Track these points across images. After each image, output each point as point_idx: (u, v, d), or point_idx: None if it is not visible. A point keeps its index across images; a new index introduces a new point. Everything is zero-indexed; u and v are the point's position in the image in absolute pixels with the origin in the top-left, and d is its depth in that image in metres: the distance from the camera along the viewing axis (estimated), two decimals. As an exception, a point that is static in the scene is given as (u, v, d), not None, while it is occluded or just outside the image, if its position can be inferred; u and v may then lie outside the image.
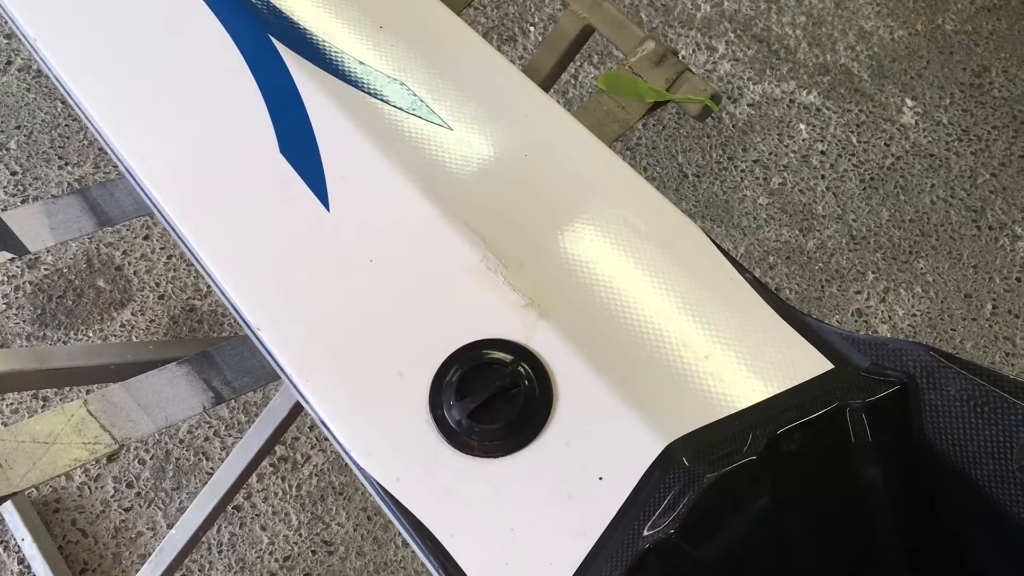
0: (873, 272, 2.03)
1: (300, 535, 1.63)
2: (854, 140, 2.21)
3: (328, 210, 0.90)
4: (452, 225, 0.88)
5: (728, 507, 0.73)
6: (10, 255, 1.10)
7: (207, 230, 0.91)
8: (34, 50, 1.04)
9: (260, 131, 0.95)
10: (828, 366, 0.81)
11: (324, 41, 1.00)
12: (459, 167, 0.93)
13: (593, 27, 1.20)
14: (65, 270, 1.84)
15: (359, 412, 0.81)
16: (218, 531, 1.62)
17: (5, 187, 1.92)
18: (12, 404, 1.69)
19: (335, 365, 0.83)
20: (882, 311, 1.98)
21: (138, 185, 0.96)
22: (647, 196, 0.93)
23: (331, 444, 1.69)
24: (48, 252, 1.85)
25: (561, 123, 0.99)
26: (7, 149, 1.97)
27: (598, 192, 0.93)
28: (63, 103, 2.04)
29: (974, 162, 2.21)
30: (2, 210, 1.82)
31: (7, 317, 1.78)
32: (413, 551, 1.59)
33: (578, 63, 2.25)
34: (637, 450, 0.76)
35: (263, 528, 1.63)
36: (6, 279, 1.81)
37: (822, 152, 2.19)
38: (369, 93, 0.97)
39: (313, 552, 1.62)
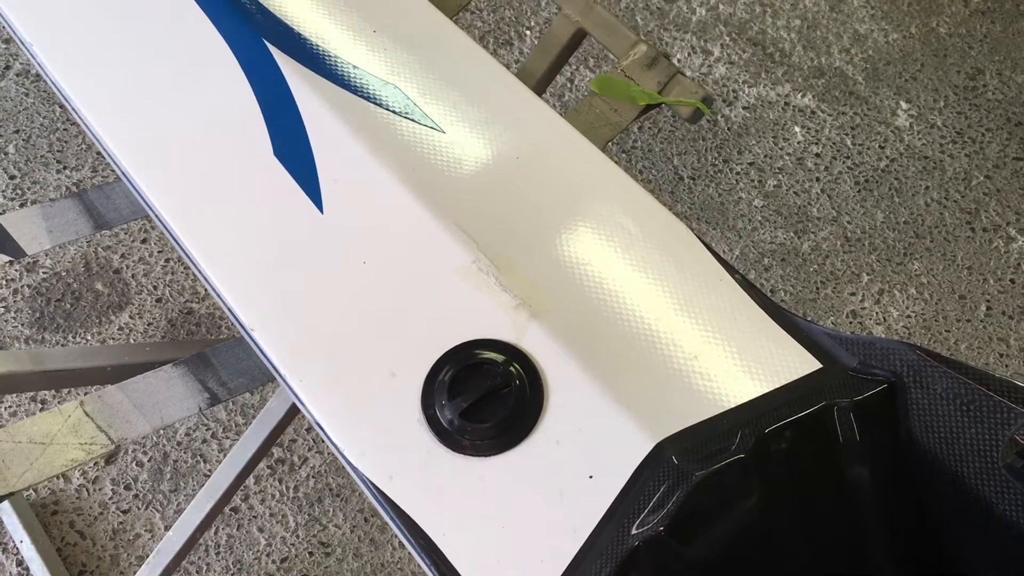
0: (868, 274, 2.04)
1: (297, 537, 1.63)
2: (849, 143, 2.22)
3: (322, 212, 0.91)
4: (444, 227, 0.89)
5: (717, 505, 0.74)
6: (7, 258, 1.11)
7: (202, 232, 0.92)
8: (31, 55, 1.05)
9: (254, 134, 0.96)
10: (816, 365, 0.82)
11: (318, 45, 1.01)
12: (452, 170, 0.94)
13: (586, 31, 1.21)
14: (63, 273, 1.85)
15: (352, 412, 0.82)
16: (215, 533, 1.62)
17: (3, 191, 1.93)
18: (10, 407, 1.70)
19: (328, 365, 0.84)
20: (877, 312, 1.99)
21: (134, 188, 0.97)
22: (638, 198, 0.94)
23: (327, 445, 1.70)
24: (46, 256, 1.86)
25: (553, 126, 1.00)
26: (5, 153, 1.98)
27: (589, 194, 0.94)
28: (61, 107, 2.05)
29: (968, 164, 2.22)
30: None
31: (5, 320, 1.78)
32: (409, 553, 1.60)
33: (574, 67, 2.26)
34: (627, 448, 0.77)
35: (260, 530, 1.64)
36: (5, 282, 1.82)
37: (817, 155, 2.20)
38: (363, 96, 0.98)
39: (310, 554, 1.62)
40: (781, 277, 2.01)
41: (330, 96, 0.97)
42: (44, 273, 1.84)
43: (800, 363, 0.82)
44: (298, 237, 0.91)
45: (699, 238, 0.92)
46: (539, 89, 1.28)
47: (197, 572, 1.60)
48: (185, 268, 1.87)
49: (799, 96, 2.29)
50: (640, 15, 2.39)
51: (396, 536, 1.63)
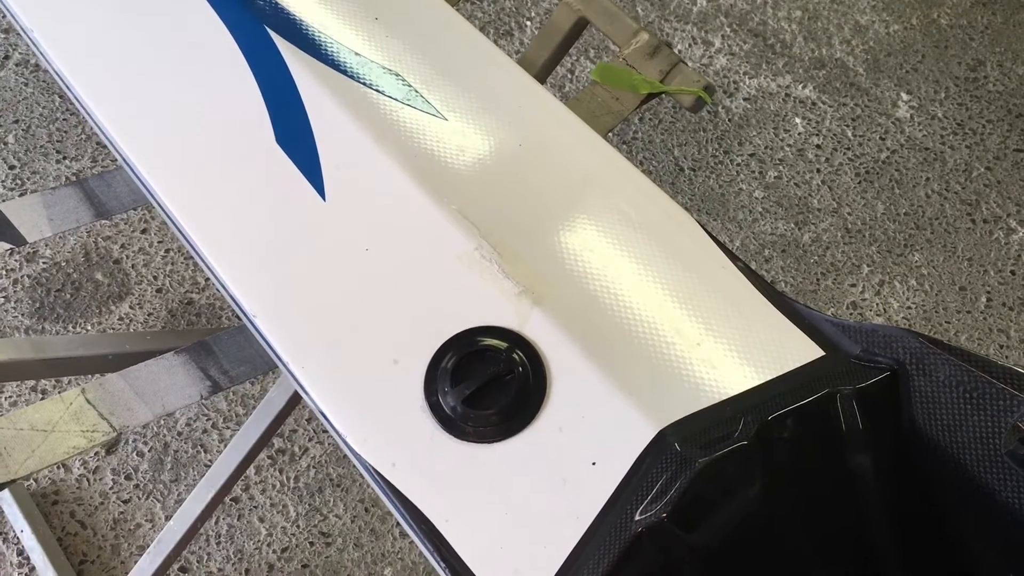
0: (868, 265, 2.04)
1: (298, 526, 1.64)
2: (849, 134, 2.22)
3: (324, 200, 0.91)
4: (447, 214, 0.89)
5: (719, 492, 0.74)
6: (8, 245, 1.11)
7: (204, 220, 0.92)
8: (32, 43, 1.05)
9: (257, 122, 0.95)
10: (819, 353, 0.82)
11: (320, 32, 1.01)
12: (454, 157, 0.94)
13: (587, 19, 1.21)
14: (63, 264, 1.84)
15: (355, 399, 0.82)
16: (216, 523, 1.63)
17: (3, 181, 1.92)
18: (11, 396, 1.70)
19: (331, 353, 0.84)
20: (877, 304, 1.99)
21: (136, 176, 0.96)
22: (640, 186, 0.94)
23: (329, 436, 1.70)
24: (46, 246, 1.86)
25: (555, 114, 1.00)
26: (5, 143, 1.97)
27: (592, 182, 0.94)
28: (61, 97, 2.05)
29: (969, 156, 2.22)
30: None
31: (5, 311, 1.78)
32: (410, 542, 1.60)
33: (574, 57, 2.26)
34: (630, 435, 0.76)
35: (261, 520, 1.64)
36: (5, 272, 1.82)
37: (818, 146, 2.20)
38: (365, 84, 0.98)
39: (311, 543, 1.63)
40: (782, 268, 2.01)
41: (332, 83, 0.97)
42: (44, 263, 1.84)
43: (803, 351, 0.82)
44: (300, 224, 0.90)
45: (701, 226, 0.92)
46: (540, 78, 1.28)
47: (198, 562, 1.60)
48: (185, 258, 1.87)
49: (800, 87, 2.28)
50: (641, 5, 2.39)
51: (397, 525, 1.63)
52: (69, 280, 1.83)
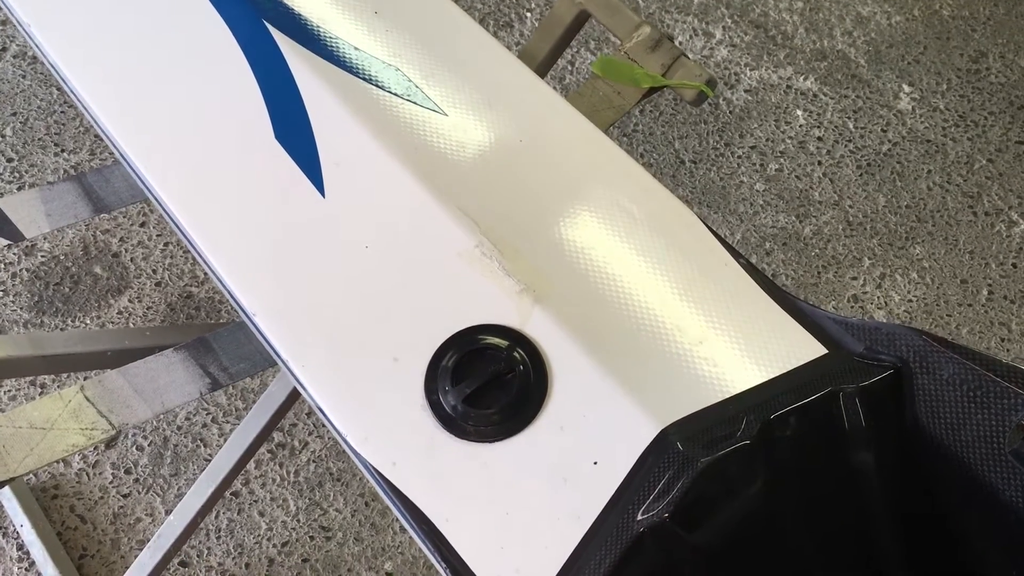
0: (869, 258, 2.03)
1: (298, 521, 1.63)
2: (851, 126, 2.21)
3: (323, 196, 0.90)
4: (447, 211, 0.88)
5: (722, 491, 0.74)
6: (6, 241, 1.10)
7: (203, 217, 0.91)
8: (28, 36, 1.04)
9: (255, 117, 0.95)
10: (822, 351, 0.81)
11: (319, 27, 1.00)
12: (454, 153, 0.93)
13: (588, 13, 1.20)
14: (62, 257, 1.84)
15: (355, 397, 0.81)
16: (216, 517, 1.62)
17: (1, 174, 1.92)
18: (9, 391, 1.69)
19: (331, 351, 0.84)
20: (878, 297, 1.99)
21: (133, 171, 0.96)
22: (642, 182, 0.93)
23: (328, 430, 1.70)
24: (44, 239, 1.85)
25: (556, 109, 0.99)
26: (2, 136, 1.96)
27: (593, 178, 0.93)
28: (58, 90, 2.04)
29: (971, 148, 2.21)
30: (-2, 197, 1.82)
31: (4, 304, 1.78)
32: (410, 537, 1.60)
33: (575, 49, 2.25)
34: (632, 434, 0.76)
35: (261, 514, 1.64)
36: (3, 266, 1.81)
37: (819, 138, 2.19)
38: (364, 79, 0.97)
39: (311, 538, 1.62)
40: (783, 261, 2.01)
41: (331, 78, 0.96)
42: (42, 257, 1.83)
43: (805, 348, 0.82)
44: (300, 221, 0.90)
45: (704, 223, 0.91)
46: (541, 72, 1.27)
47: (198, 556, 1.60)
48: (184, 252, 1.86)
49: (801, 79, 2.27)
50: (641, -3, 2.38)
51: (397, 520, 1.63)
52: (68, 274, 1.82)
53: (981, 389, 0.72)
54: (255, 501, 1.64)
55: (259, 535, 1.62)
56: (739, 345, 0.82)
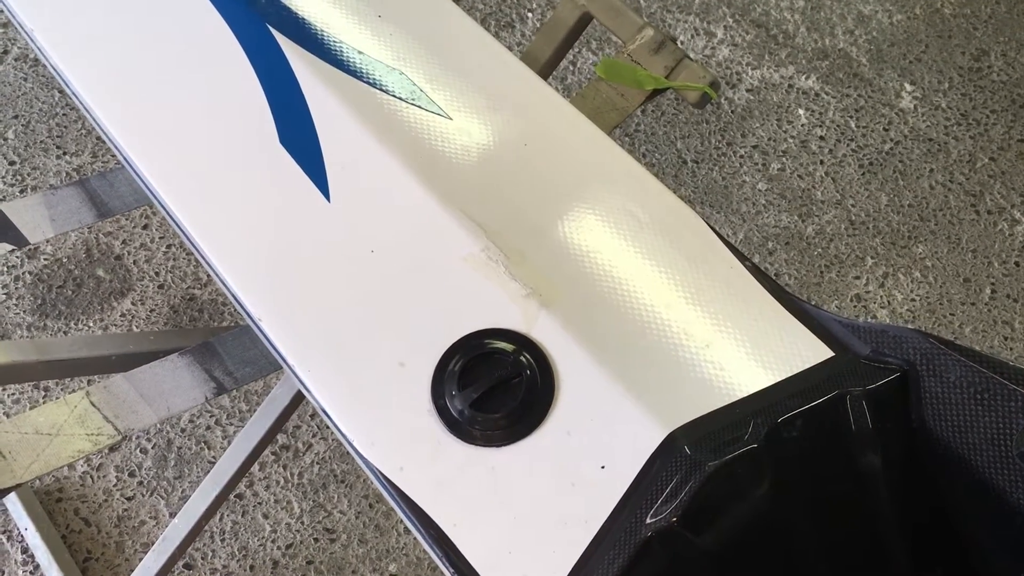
0: (872, 257, 2.03)
1: (302, 523, 1.63)
2: (853, 125, 2.21)
3: (328, 200, 0.90)
4: (453, 215, 0.88)
5: (730, 495, 0.74)
6: (10, 247, 1.10)
7: (208, 221, 0.91)
8: (31, 39, 1.04)
9: (260, 122, 0.95)
10: (828, 353, 0.81)
11: (323, 31, 1.00)
12: (459, 157, 0.93)
13: (592, 15, 1.20)
14: (65, 260, 1.84)
15: (361, 402, 0.81)
16: (220, 519, 1.62)
17: (3, 177, 1.92)
18: (13, 394, 1.69)
19: (337, 355, 0.84)
20: (881, 296, 1.98)
21: (137, 176, 0.96)
22: (647, 185, 0.93)
23: (332, 432, 1.70)
24: (48, 242, 1.85)
25: (560, 112, 0.99)
26: (5, 139, 1.96)
27: (598, 181, 0.93)
28: (60, 92, 2.04)
29: (973, 146, 2.21)
30: (1, 200, 1.82)
31: (7, 307, 1.78)
32: (415, 538, 1.60)
33: (576, 49, 2.25)
34: (639, 439, 0.76)
35: (265, 516, 1.64)
36: (6, 269, 1.81)
37: (821, 137, 2.19)
38: (368, 83, 0.97)
39: (315, 540, 1.62)
40: (785, 261, 2.01)
41: (335, 82, 0.96)
42: (45, 260, 1.83)
43: (812, 351, 0.82)
44: (304, 226, 0.90)
45: (709, 225, 0.91)
46: (543, 74, 1.27)
47: (203, 558, 1.60)
48: (187, 254, 1.86)
49: (803, 78, 2.27)
50: (643, -3, 2.38)
51: (401, 522, 1.63)
52: (71, 277, 1.82)
53: (988, 392, 0.72)
54: (259, 503, 1.64)
55: (263, 537, 1.62)
56: (745, 348, 0.82)
